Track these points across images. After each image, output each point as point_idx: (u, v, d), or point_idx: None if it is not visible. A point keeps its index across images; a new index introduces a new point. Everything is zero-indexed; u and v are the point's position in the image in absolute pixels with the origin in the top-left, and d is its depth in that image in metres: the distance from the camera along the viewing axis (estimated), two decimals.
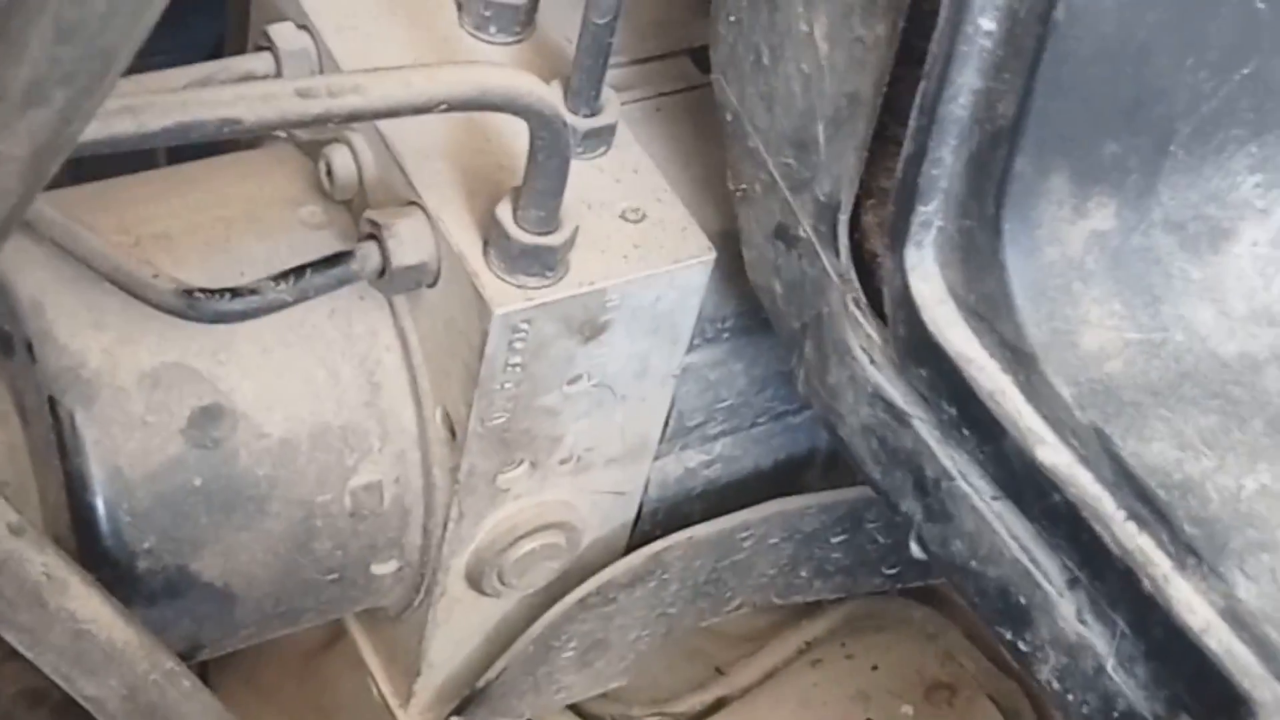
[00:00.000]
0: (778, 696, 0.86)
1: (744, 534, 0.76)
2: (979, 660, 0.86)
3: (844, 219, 0.59)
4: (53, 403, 0.63)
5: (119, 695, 0.61)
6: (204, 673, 0.86)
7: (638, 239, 0.66)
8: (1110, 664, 0.54)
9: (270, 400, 0.66)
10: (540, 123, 0.60)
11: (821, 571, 0.79)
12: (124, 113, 0.51)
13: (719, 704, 0.86)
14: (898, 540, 0.78)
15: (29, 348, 0.64)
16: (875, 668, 0.86)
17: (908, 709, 0.86)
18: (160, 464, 0.64)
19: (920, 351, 0.57)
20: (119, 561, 0.64)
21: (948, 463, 0.57)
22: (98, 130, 0.50)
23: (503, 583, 0.72)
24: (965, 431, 0.56)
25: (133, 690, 0.61)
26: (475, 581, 0.72)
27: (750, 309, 0.71)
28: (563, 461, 0.70)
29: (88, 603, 0.59)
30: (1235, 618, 0.50)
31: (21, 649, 0.58)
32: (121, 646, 0.60)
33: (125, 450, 0.63)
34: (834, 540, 0.78)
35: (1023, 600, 0.56)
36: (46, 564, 0.57)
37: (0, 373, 0.67)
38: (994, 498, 0.56)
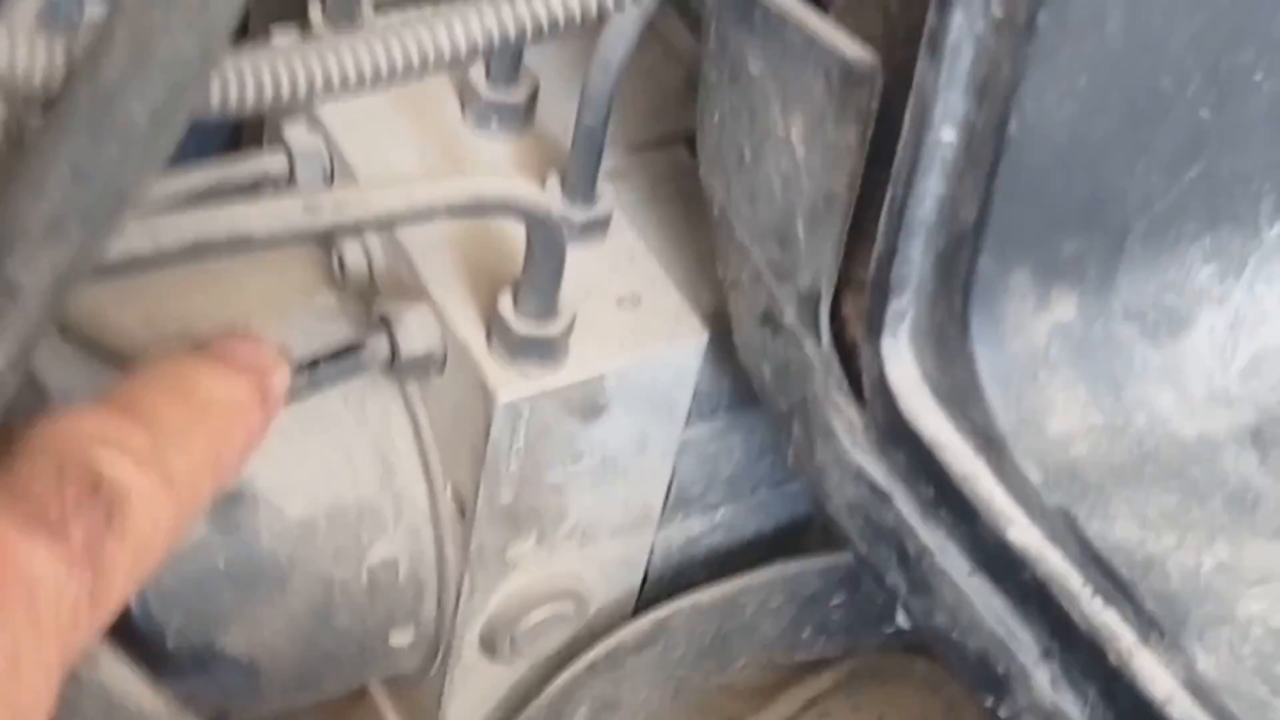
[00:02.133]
0: None
1: (746, 597, 0.79)
2: (981, 712, 0.88)
3: (824, 308, 0.62)
4: None
5: None
6: None
7: (633, 324, 0.69)
8: None
9: (289, 483, 0.69)
10: (536, 223, 0.63)
11: (824, 630, 0.82)
12: (142, 232, 0.55)
13: None
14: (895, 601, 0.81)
15: None
16: None
17: None
18: (186, 548, 0.67)
19: (898, 436, 0.60)
20: (148, 639, 0.68)
21: (928, 539, 0.60)
22: (117, 249, 0.53)
23: (515, 650, 0.75)
24: (942, 511, 0.59)
25: None
26: (489, 649, 0.75)
27: (744, 385, 0.73)
28: (569, 535, 0.73)
29: (115, 673, 0.63)
30: (1196, 688, 0.53)
31: None
32: (149, 715, 0.64)
33: None
34: (834, 602, 0.81)
35: (1001, 669, 0.59)
36: None
37: None
38: (971, 574, 0.59)
